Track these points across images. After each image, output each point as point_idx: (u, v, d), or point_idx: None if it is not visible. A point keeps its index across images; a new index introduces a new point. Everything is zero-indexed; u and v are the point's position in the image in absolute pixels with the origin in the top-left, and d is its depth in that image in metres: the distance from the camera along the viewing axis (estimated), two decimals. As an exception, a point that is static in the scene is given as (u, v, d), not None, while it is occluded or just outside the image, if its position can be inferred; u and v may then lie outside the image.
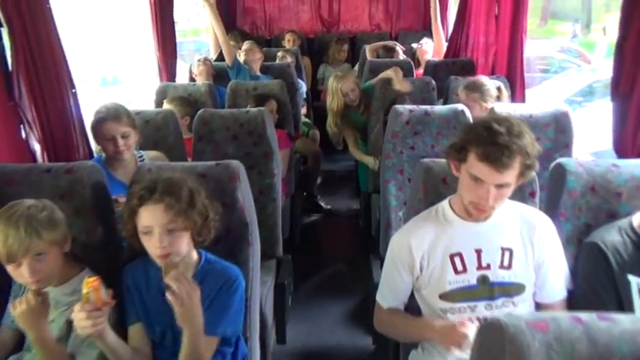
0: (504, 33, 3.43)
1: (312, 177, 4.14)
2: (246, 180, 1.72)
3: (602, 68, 9.60)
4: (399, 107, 2.49)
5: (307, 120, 4.71)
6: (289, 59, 4.76)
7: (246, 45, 4.26)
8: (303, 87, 4.78)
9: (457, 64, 4.04)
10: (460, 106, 2.49)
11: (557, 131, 2.44)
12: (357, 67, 5.48)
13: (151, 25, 3.52)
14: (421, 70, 4.46)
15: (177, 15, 4.19)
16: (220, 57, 4.37)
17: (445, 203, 1.55)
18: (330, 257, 3.51)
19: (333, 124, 3.45)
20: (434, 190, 1.66)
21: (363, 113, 3.45)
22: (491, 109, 2.45)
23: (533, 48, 8.04)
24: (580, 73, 8.99)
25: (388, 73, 3.33)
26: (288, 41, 5.49)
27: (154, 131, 2.47)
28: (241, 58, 4.11)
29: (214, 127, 2.50)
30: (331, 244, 3.85)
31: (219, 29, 3.72)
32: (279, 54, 4.77)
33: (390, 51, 4.56)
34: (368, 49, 4.74)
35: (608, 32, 13.34)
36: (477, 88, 2.78)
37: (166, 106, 3.07)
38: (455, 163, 1.46)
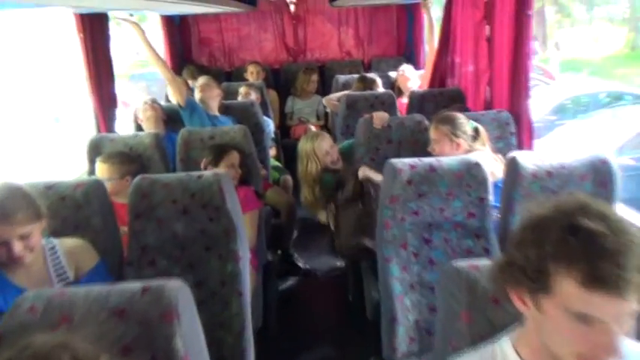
0: (501, 59, 2.95)
1: (287, 232, 3.54)
2: (191, 312, 1.11)
3: (568, 85, 9.54)
4: (396, 162, 1.94)
5: (277, 163, 4.13)
6: (253, 95, 4.20)
7: (201, 80, 3.66)
8: (271, 125, 4.22)
9: (445, 95, 3.55)
10: (473, 159, 1.96)
11: (595, 184, 1.94)
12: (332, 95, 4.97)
13: (84, 66, 2.92)
14: (405, 100, 3.97)
15: (127, 48, 3.62)
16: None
17: (507, 347, 0.98)
18: (315, 343, 2.74)
19: (308, 193, 2.87)
20: (481, 314, 1.09)
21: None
22: (512, 160, 1.93)
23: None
24: (548, 91, 8.83)
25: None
26: (251, 74, 4.94)
27: (74, 210, 1.84)
28: (197, 95, 3.52)
29: (156, 199, 1.88)
30: (314, 325, 2.92)
31: (156, 61, 3.13)
32: (242, 90, 4.20)
33: (369, 83, 4.04)
34: (326, 102, 4.29)
35: (561, 47, 13.56)
36: (447, 121, 2.36)
37: (99, 165, 2.44)
38: (522, 293, 0.90)
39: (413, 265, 1.91)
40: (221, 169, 2.48)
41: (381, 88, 4.04)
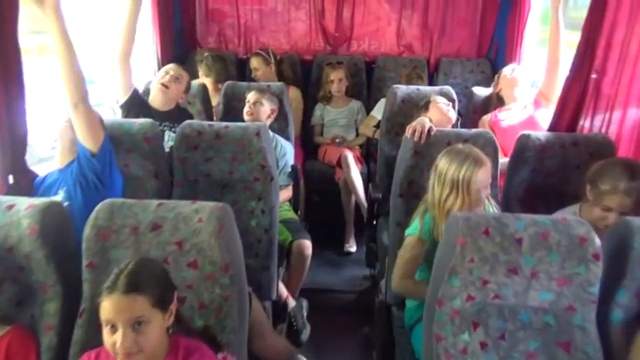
0: None
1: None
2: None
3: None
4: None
5: (291, 214, 2.71)
6: (266, 106, 2.78)
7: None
8: (288, 152, 2.79)
9: (581, 144, 2.08)
10: None
11: None
12: (376, 111, 3.51)
13: None
14: (502, 115, 2.55)
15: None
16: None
17: None
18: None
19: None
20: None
21: None
22: None
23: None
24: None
25: None
26: (255, 71, 3.50)
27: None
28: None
29: None
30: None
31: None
32: (251, 97, 2.78)
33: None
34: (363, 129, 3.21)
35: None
36: None
37: None
38: None
39: None
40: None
41: (452, 112, 2.57)
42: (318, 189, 3.52)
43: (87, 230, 1.39)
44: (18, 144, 1.86)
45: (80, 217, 1.80)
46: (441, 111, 2.49)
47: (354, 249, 3.39)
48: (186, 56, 3.73)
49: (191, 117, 2.78)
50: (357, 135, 3.69)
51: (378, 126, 3.53)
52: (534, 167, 2.18)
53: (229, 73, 3.66)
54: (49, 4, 1.65)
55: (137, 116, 2.54)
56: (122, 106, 2.57)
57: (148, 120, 2.16)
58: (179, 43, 3.77)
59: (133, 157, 2.12)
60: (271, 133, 2.82)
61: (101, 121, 1.89)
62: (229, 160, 2.17)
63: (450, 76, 3.88)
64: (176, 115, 2.69)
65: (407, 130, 2.18)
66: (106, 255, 1.37)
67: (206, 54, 3.43)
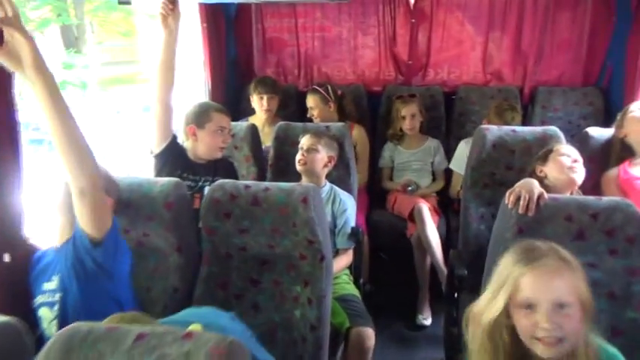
0: None
1: None
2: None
3: None
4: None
5: (352, 292, 2.18)
6: (322, 152, 2.31)
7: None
8: (349, 209, 2.29)
9: None
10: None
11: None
12: (455, 164, 2.93)
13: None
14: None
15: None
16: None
17: None
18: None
19: None
20: None
21: None
22: None
23: None
24: None
25: None
26: (311, 109, 3.05)
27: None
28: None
29: None
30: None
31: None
32: (305, 142, 2.32)
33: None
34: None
35: None
36: None
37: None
38: None
39: None
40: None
41: (578, 174, 1.90)
42: (387, 245, 2.97)
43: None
44: (14, 218, 1.54)
45: (73, 313, 1.41)
46: (562, 168, 1.87)
47: (428, 321, 2.77)
48: (242, 90, 3.38)
49: (234, 169, 2.37)
50: (434, 180, 3.11)
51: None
52: None
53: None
54: (27, 63, 1.24)
55: (174, 169, 2.17)
56: (157, 157, 2.18)
57: (172, 180, 1.75)
58: (233, 76, 3.42)
59: (152, 227, 1.71)
60: (328, 186, 2.35)
61: (111, 198, 1.50)
62: (269, 232, 1.70)
63: (550, 109, 3.20)
64: (218, 165, 2.29)
65: (506, 196, 1.61)
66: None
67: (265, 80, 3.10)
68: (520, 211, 1.53)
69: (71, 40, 9.37)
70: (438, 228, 2.78)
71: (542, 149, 2.05)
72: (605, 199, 1.53)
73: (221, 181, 1.76)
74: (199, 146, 2.24)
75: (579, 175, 1.87)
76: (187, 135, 2.26)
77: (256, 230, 1.70)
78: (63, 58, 8.55)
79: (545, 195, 1.55)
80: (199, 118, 2.23)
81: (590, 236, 1.50)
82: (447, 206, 3.07)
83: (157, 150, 2.16)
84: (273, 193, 1.69)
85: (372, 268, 2.86)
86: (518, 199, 1.55)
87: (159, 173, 2.18)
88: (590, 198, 1.54)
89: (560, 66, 3.27)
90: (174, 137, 2.19)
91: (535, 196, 1.53)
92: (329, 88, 3.05)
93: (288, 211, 1.66)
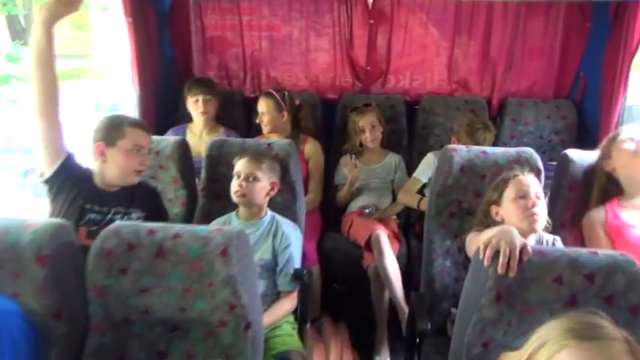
0: None
1: None
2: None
3: None
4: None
5: (294, 345, 1.80)
6: (264, 181, 1.93)
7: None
8: (292, 245, 1.92)
9: None
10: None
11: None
12: (420, 173, 2.62)
13: None
14: (636, 226, 1.59)
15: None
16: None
17: None
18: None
19: None
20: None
21: None
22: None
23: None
24: None
25: None
26: (261, 115, 2.66)
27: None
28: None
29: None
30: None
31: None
32: (242, 168, 1.93)
33: None
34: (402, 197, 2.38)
35: None
36: None
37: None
38: None
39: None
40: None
41: (539, 215, 1.58)
42: (341, 275, 2.62)
43: None
44: None
45: None
46: (521, 212, 1.55)
47: (386, 363, 2.44)
48: (180, 95, 2.94)
49: (156, 197, 1.97)
50: (394, 200, 2.78)
51: (423, 192, 2.62)
52: None
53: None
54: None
55: (73, 198, 1.75)
56: (47, 182, 1.76)
57: (51, 223, 1.33)
58: (169, 79, 2.99)
59: (21, 286, 1.29)
60: (270, 215, 1.98)
61: None
62: (179, 292, 1.31)
63: (520, 122, 2.92)
64: (135, 193, 1.87)
65: (480, 249, 1.27)
66: None
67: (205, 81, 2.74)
68: (500, 270, 1.19)
69: (18, 31, 8.74)
70: (399, 257, 2.45)
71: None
72: (602, 254, 1.21)
73: (116, 224, 1.35)
74: (109, 169, 1.82)
75: (541, 222, 1.56)
76: (95, 155, 1.84)
77: (162, 289, 1.31)
78: (8, 50, 7.93)
79: (529, 248, 1.22)
80: (109, 133, 1.82)
81: (583, 303, 1.18)
82: (407, 229, 2.75)
83: (48, 173, 1.74)
84: (184, 241, 1.30)
85: (325, 301, 2.52)
86: (495, 253, 1.21)
87: (53, 203, 1.75)
88: (584, 252, 1.22)
89: (531, 75, 2.99)
90: (69, 156, 1.77)
91: (517, 251, 1.20)
92: (286, 94, 2.69)
93: (202, 267, 1.27)
